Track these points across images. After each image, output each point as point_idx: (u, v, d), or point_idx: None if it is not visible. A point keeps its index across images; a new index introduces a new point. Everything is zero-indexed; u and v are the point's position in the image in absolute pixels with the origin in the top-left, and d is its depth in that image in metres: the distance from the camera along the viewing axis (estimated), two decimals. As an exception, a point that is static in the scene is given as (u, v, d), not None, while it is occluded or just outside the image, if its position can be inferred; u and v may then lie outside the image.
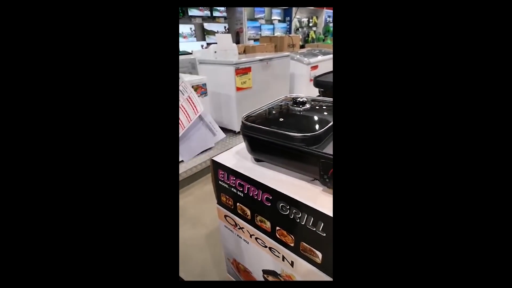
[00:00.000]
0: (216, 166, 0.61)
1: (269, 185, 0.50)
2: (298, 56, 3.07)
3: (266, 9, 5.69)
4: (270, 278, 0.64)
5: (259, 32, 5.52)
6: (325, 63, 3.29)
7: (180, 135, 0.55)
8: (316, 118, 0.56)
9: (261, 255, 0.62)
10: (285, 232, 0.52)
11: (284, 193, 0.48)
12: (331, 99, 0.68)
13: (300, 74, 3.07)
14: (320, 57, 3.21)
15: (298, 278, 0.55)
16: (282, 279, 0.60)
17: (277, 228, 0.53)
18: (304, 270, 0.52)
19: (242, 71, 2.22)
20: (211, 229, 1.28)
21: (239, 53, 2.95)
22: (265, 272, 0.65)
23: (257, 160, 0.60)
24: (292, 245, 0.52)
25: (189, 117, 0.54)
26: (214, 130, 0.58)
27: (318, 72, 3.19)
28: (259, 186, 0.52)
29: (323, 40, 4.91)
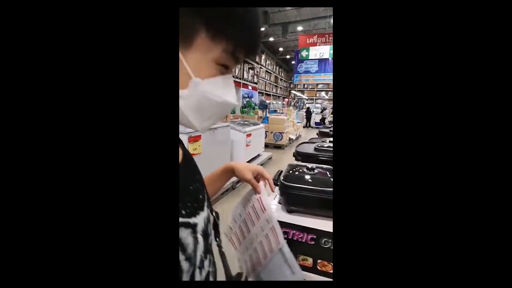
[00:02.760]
0: (259, 221, 0.77)
1: (313, 227, 0.71)
2: (233, 125, 3.56)
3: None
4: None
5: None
6: (256, 132, 3.92)
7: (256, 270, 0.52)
8: (329, 178, 0.85)
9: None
10: (326, 262, 0.71)
11: (327, 230, 0.70)
12: (327, 166, 1.01)
13: (238, 141, 3.50)
14: (252, 127, 3.83)
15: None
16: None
17: (319, 261, 0.72)
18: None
19: (193, 139, 2.39)
20: None
21: (181, 122, 3.14)
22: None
23: (290, 211, 0.80)
24: (331, 271, 0.71)
25: (271, 248, 0.51)
26: (292, 267, 0.50)
27: (252, 138, 3.74)
28: (304, 229, 0.72)
29: (246, 113, 5.83)
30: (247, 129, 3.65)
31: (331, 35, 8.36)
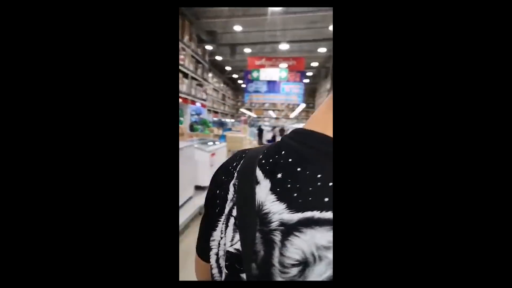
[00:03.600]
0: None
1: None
2: (197, 145, 3.22)
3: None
4: None
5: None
6: (219, 151, 3.66)
7: None
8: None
9: None
10: None
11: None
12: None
13: (203, 161, 3.16)
14: (215, 146, 3.56)
15: None
16: None
17: None
18: None
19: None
20: None
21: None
22: None
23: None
24: None
25: None
26: None
27: (215, 158, 3.44)
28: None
29: (201, 130, 5.49)
30: (211, 148, 3.37)
31: (278, 59, 8.99)
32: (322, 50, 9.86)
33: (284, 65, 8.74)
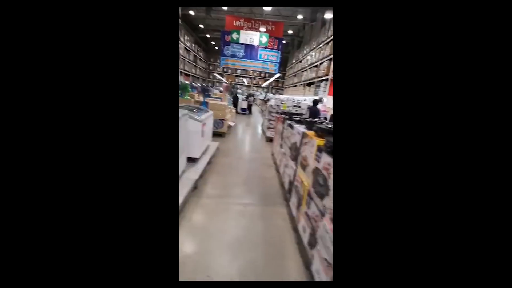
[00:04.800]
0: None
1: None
2: (190, 113, 3.06)
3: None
4: None
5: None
6: (208, 120, 3.54)
7: None
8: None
9: None
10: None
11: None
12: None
13: (195, 131, 3.04)
14: (205, 114, 3.42)
15: None
16: None
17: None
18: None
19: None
20: None
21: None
22: None
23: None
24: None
25: None
26: None
27: (205, 128, 3.35)
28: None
29: (181, 96, 5.13)
30: (203, 117, 3.24)
31: (257, 22, 8.45)
32: (300, 17, 9.53)
33: (263, 29, 8.28)
